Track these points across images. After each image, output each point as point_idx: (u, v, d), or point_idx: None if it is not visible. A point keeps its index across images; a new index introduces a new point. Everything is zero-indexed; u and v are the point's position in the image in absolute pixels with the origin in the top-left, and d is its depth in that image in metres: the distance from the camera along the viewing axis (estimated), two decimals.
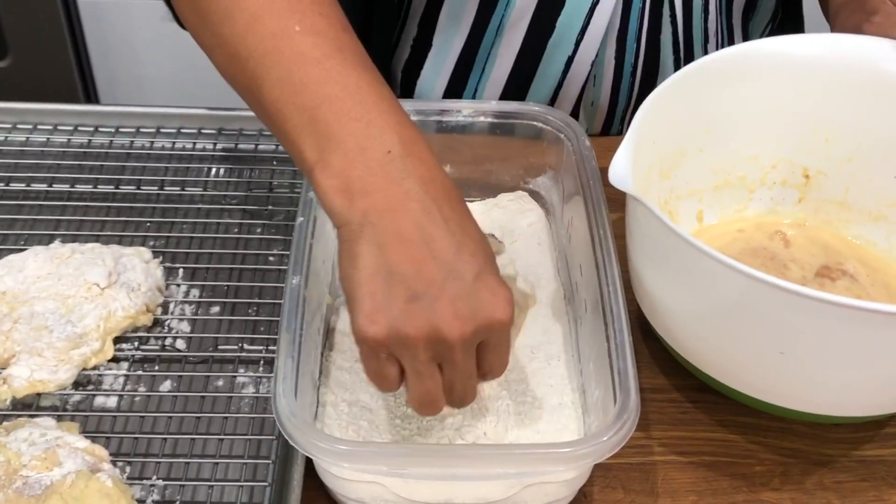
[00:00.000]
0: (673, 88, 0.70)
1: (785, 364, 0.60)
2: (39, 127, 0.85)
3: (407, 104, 0.76)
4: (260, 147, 0.85)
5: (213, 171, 0.83)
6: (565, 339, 0.70)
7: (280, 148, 0.84)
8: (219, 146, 0.85)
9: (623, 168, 0.64)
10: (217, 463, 0.63)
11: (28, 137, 0.85)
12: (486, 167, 0.80)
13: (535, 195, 0.81)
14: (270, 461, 0.63)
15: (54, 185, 0.81)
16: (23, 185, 0.80)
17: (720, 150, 0.76)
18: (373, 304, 0.52)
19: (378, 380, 0.55)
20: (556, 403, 0.66)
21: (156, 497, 0.61)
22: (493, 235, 0.77)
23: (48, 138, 0.85)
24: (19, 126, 0.85)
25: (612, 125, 0.92)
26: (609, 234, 0.68)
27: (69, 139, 0.85)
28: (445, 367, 0.54)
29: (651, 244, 0.65)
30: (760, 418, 0.68)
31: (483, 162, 0.80)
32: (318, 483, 0.62)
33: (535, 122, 0.77)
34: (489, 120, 0.77)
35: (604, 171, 0.64)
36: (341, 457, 0.54)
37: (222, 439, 0.64)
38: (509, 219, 0.80)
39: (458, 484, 0.58)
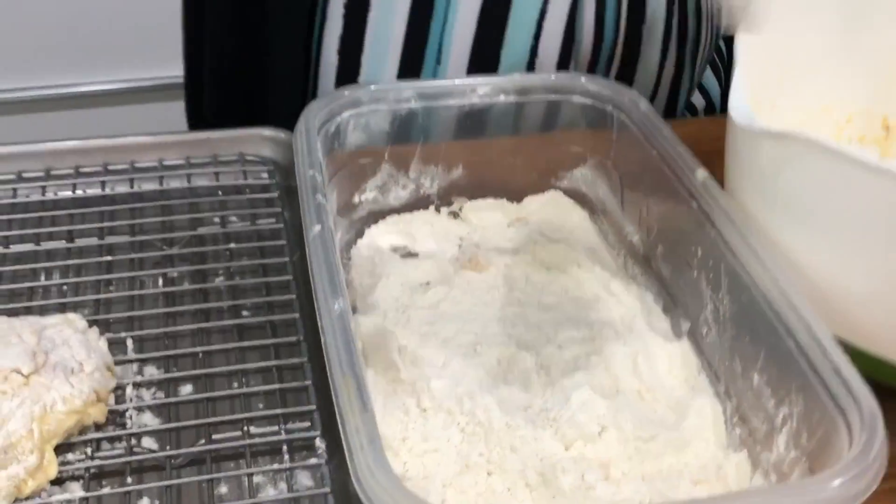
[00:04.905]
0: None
1: None
2: None
3: (406, 85, 0.59)
4: (196, 182, 0.63)
5: (138, 214, 0.61)
6: (682, 358, 0.52)
7: (224, 179, 0.64)
8: (136, 185, 0.63)
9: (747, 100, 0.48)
10: None
11: None
12: (508, 165, 0.62)
13: (572, 194, 0.63)
14: None
15: None
16: None
17: (795, 101, 0.62)
18: None
19: None
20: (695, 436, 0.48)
21: None
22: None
23: None
24: None
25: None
26: (732, 208, 0.51)
27: None
28: None
29: (808, 202, 0.48)
30: None
31: (503, 158, 0.62)
32: None
33: (570, 97, 0.60)
34: (513, 99, 0.60)
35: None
36: None
37: None
38: (539, 229, 0.62)
39: None
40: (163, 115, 1.28)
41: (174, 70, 0.84)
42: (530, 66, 0.72)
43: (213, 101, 0.79)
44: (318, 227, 0.48)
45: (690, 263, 0.53)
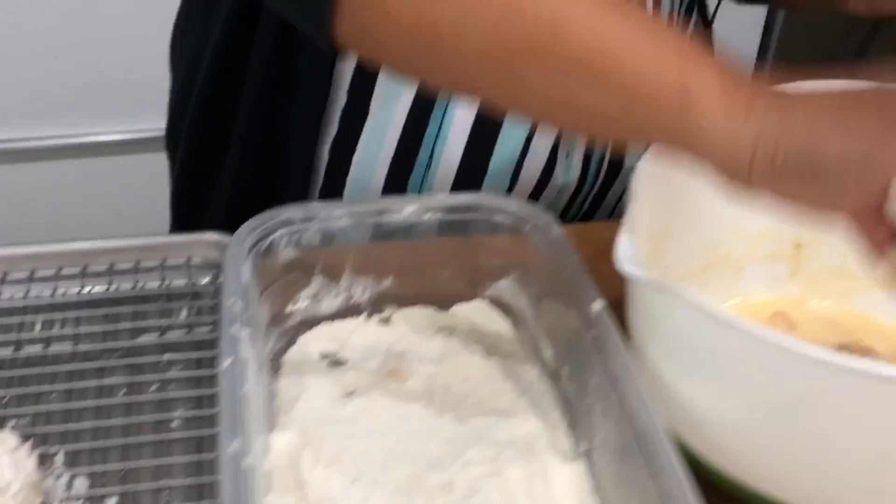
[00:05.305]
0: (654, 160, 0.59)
1: (886, 476, 0.48)
2: None
3: (339, 206, 0.63)
4: (144, 285, 0.68)
5: (84, 321, 0.65)
6: (575, 481, 0.56)
7: (170, 283, 0.67)
8: (86, 289, 0.67)
9: (632, 248, 0.52)
10: None
11: None
12: (437, 274, 0.66)
13: (497, 303, 0.67)
14: None
15: None
16: None
17: (706, 221, 0.65)
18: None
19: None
20: None
21: None
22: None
23: None
24: None
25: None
26: (621, 345, 0.54)
27: None
28: None
29: (682, 342, 0.52)
30: None
31: (432, 268, 0.66)
32: None
33: (492, 217, 0.64)
34: (438, 217, 0.63)
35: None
36: None
37: None
38: (463, 338, 0.66)
39: None
40: (144, 167, 1.32)
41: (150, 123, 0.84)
42: (515, 178, 0.77)
43: (231, 204, 0.80)
44: (229, 360, 0.51)
45: (587, 389, 0.56)
